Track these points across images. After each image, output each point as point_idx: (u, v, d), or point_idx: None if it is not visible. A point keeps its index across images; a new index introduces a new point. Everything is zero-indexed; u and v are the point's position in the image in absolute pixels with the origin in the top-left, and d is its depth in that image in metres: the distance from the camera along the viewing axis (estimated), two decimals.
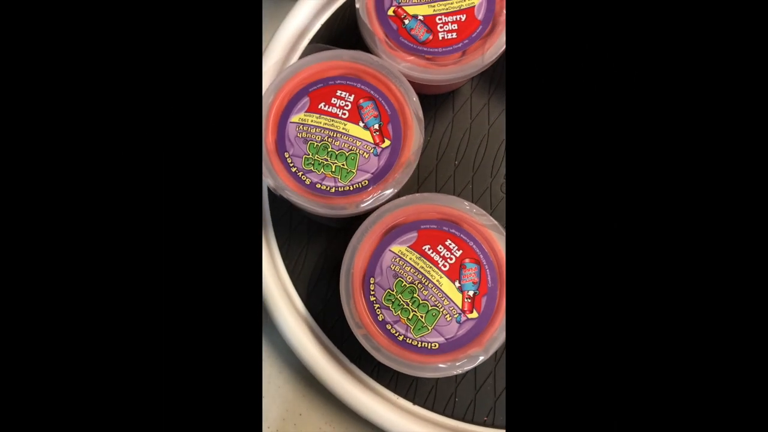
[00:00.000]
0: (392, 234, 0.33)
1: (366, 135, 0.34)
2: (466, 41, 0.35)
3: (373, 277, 0.33)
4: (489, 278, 0.31)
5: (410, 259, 0.33)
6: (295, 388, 0.40)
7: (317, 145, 0.33)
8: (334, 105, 0.34)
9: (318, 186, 0.33)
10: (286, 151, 0.33)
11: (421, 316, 0.32)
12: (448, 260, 0.32)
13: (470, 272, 0.32)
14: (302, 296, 0.39)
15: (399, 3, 0.35)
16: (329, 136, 0.34)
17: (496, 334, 0.31)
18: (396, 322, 0.32)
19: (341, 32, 0.41)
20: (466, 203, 0.33)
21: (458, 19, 0.35)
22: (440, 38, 0.35)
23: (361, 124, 0.34)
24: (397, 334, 0.32)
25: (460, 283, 0.32)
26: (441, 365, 0.31)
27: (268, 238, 0.40)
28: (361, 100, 0.34)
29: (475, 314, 0.31)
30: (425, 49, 0.35)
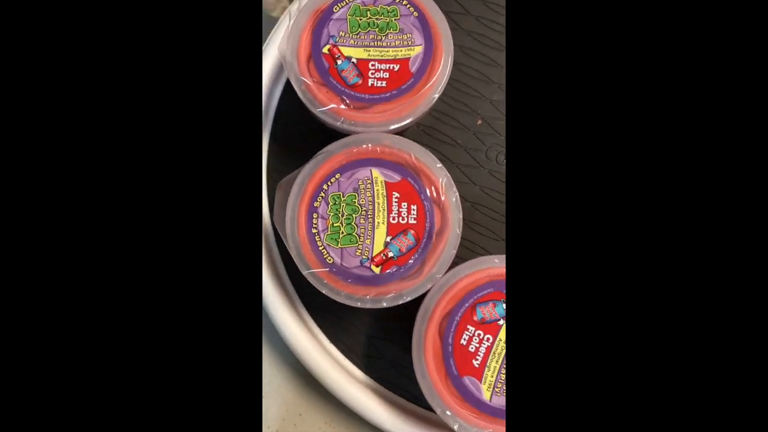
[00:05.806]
0: (386, 162, 0.33)
1: None
2: (395, 92, 0.34)
3: (341, 173, 0.33)
4: (413, 258, 0.33)
5: (377, 188, 0.33)
6: (295, 387, 0.39)
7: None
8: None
9: None
10: None
11: (342, 231, 0.33)
12: (400, 219, 0.33)
13: (405, 242, 0.33)
14: (301, 296, 0.37)
15: (335, 42, 0.34)
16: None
17: (372, 297, 0.33)
18: (322, 217, 0.33)
19: None
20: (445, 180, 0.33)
21: (391, 68, 0.34)
22: (369, 84, 0.34)
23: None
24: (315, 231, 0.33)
25: (390, 240, 0.33)
26: (323, 278, 0.33)
27: (267, 238, 0.39)
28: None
29: (377, 270, 0.33)
30: (352, 93, 0.34)
